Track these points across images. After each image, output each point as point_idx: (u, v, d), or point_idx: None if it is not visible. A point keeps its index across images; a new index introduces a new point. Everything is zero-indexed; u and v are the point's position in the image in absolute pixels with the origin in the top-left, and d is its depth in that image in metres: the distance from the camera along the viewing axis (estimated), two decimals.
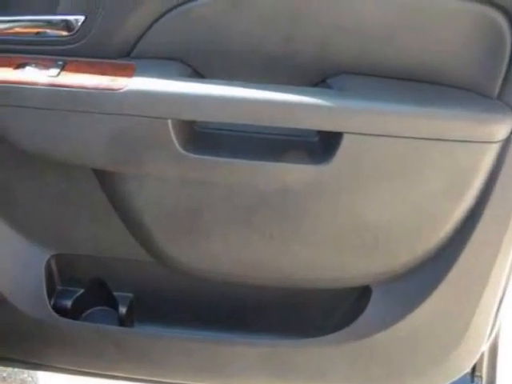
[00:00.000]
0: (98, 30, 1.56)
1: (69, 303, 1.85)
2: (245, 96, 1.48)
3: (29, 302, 1.78)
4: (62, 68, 1.55)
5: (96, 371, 1.91)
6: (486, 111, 1.50)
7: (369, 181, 1.54)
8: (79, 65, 1.56)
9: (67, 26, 1.57)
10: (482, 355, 1.91)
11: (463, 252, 1.60)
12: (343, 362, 1.77)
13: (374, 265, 1.67)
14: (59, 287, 1.86)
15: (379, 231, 1.61)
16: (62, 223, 1.74)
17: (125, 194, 1.63)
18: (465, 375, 1.84)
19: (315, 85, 1.60)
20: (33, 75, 1.53)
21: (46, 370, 2.02)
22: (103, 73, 1.54)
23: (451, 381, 1.81)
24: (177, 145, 1.52)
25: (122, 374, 1.90)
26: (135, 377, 1.90)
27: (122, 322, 1.85)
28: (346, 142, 1.49)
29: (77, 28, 1.56)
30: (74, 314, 1.85)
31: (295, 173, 1.56)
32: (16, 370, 2.72)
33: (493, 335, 1.78)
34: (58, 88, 1.51)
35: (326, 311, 1.81)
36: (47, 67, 1.55)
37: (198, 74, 1.61)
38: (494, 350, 1.97)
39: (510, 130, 1.49)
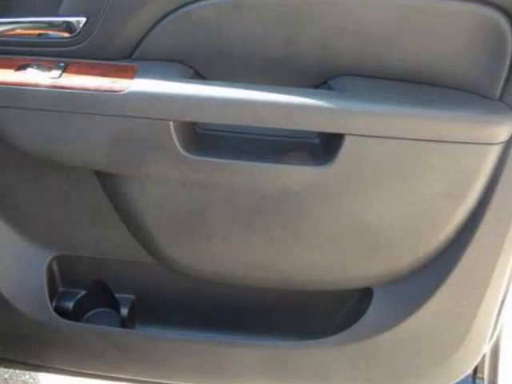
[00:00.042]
0: (99, 32, 1.56)
1: (70, 305, 1.85)
2: (246, 98, 1.48)
3: (30, 303, 1.78)
4: (64, 69, 1.55)
5: (97, 373, 1.91)
6: (487, 113, 1.50)
7: (370, 182, 1.54)
8: (81, 66, 1.57)
9: (69, 27, 1.58)
10: (484, 357, 1.90)
11: (465, 254, 1.60)
12: (345, 363, 1.77)
13: (376, 266, 1.67)
14: (61, 289, 1.87)
15: (380, 233, 1.61)
16: (64, 225, 1.74)
17: (126, 196, 1.63)
18: (466, 377, 1.84)
19: (317, 86, 1.60)
20: (34, 77, 1.53)
21: (47, 372, 2.02)
22: (105, 74, 1.54)
23: (453, 382, 1.81)
24: (178, 146, 1.52)
25: (123, 376, 1.90)
26: (137, 378, 1.90)
27: (124, 323, 1.85)
28: (347, 143, 1.49)
29: (78, 30, 1.57)
30: (75, 315, 1.85)
31: (296, 174, 1.56)
32: (18, 371, 2.72)
33: (494, 337, 1.78)
34: (60, 90, 1.51)
35: (328, 313, 1.81)
36: (49, 69, 1.55)
37: (199, 76, 1.61)
38: (495, 352, 1.97)
39: (511, 132, 1.49)
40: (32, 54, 1.60)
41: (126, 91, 1.49)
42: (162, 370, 1.86)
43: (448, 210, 1.57)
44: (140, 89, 1.50)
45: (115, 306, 1.86)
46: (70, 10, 1.58)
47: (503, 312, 1.73)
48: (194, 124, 1.60)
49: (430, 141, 1.49)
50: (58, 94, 1.51)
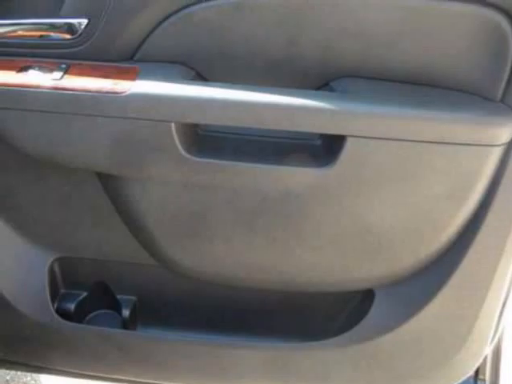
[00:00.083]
0: (101, 33, 1.56)
1: (72, 306, 1.85)
2: (248, 99, 1.48)
3: (32, 305, 1.78)
4: (66, 71, 1.55)
5: (99, 374, 1.90)
6: (489, 114, 1.49)
7: (372, 184, 1.54)
8: (82, 68, 1.57)
9: (70, 29, 1.58)
10: (485, 358, 1.90)
11: (466, 255, 1.60)
12: (346, 365, 1.77)
13: (377, 268, 1.66)
14: (62, 290, 1.87)
15: (382, 234, 1.61)
16: (66, 226, 1.74)
17: (128, 197, 1.63)
18: (468, 378, 1.84)
19: (318, 88, 1.60)
20: (36, 78, 1.53)
21: (49, 373, 2.01)
22: (106, 76, 1.54)
23: None
24: (180, 148, 1.52)
25: (125, 377, 1.90)
26: (138, 380, 1.90)
27: (126, 325, 1.85)
28: (348, 145, 1.49)
29: (80, 31, 1.57)
30: (77, 317, 1.85)
31: (298, 176, 1.56)
32: (19, 373, 2.72)
33: (496, 338, 1.78)
34: (62, 91, 1.51)
35: (329, 314, 1.81)
36: (50, 70, 1.55)
37: (201, 77, 1.61)
38: (497, 353, 1.97)
39: None
40: (34, 55, 1.60)
41: (128, 93, 1.49)
42: (163, 372, 1.86)
43: (449, 212, 1.57)
44: (142, 90, 1.50)
45: (117, 307, 1.86)
46: (71, 11, 1.58)
47: (505, 313, 1.73)
48: (195, 125, 1.60)
49: (431, 142, 1.49)
50: (59, 96, 1.51)
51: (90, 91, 1.50)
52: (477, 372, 1.92)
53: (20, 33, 1.61)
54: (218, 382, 1.87)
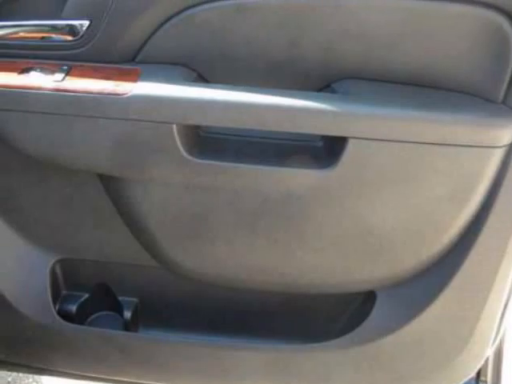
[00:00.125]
0: (102, 35, 1.56)
1: (73, 308, 1.85)
2: (249, 101, 1.48)
3: (34, 306, 1.78)
4: (67, 73, 1.55)
5: (101, 376, 1.90)
6: (490, 116, 1.50)
7: (373, 186, 1.54)
8: (84, 69, 1.57)
9: (72, 30, 1.58)
10: (487, 360, 1.90)
11: (468, 257, 1.60)
12: (348, 366, 1.77)
13: (379, 270, 1.66)
14: (64, 292, 1.87)
15: (384, 236, 1.61)
16: (67, 228, 1.74)
17: (129, 199, 1.63)
18: (469, 380, 1.83)
19: (320, 90, 1.60)
20: (37, 80, 1.53)
21: (50, 375, 2.01)
22: (108, 78, 1.54)
23: None
24: (181, 150, 1.52)
25: (126, 379, 1.90)
26: (140, 382, 1.90)
27: (127, 326, 1.85)
28: (350, 146, 1.49)
29: (81, 33, 1.57)
30: (78, 318, 1.85)
31: (300, 178, 1.56)
32: (21, 374, 2.72)
33: (497, 340, 1.77)
34: (63, 93, 1.51)
35: (331, 316, 1.81)
36: (52, 72, 1.55)
37: (202, 79, 1.61)
38: (498, 355, 1.97)
39: None
40: (35, 57, 1.60)
41: (129, 94, 1.49)
42: (165, 374, 1.86)
43: (451, 213, 1.57)
44: (143, 92, 1.50)
45: (118, 309, 1.86)
46: (73, 13, 1.58)
47: (506, 315, 1.73)
48: (197, 127, 1.60)
49: (433, 144, 1.49)
50: (61, 98, 1.51)
51: (91, 93, 1.50)
52: (478, 373, 1.92)
53: (22, 34, 1.61)
54: (219, 383, 1.87)
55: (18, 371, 2.35)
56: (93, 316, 1.89)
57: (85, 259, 1.79)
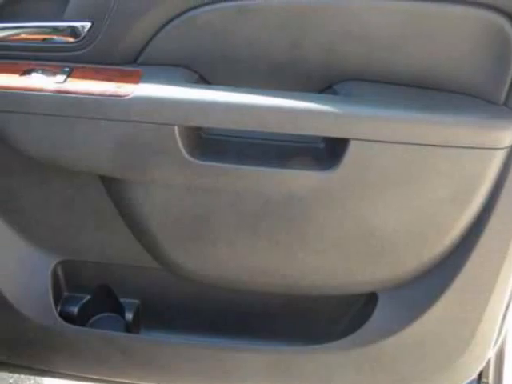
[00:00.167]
0: (104, 37, 1.56)
1: (75, 310, 1.85)
2: (251, 102, 1.48)
3: (35, 308, 1.78)
4: (69, 74, 1.55)
5: (102, 377, 1.90)
6: (492, 118, 1.49)
7: (375, 187, 1.54)
8: (85, 71, 1.57)
9: (73, 32, 1.58)
10: (489, 361, 1.90)
11: (469, 258, 1.60)
12: (349, 368, 1.77)
13: (380, 271, 1.66)
14: (66, 293, 1.87)
15: (385, 238, 1.60)
16: (69, 229, 1.74)
17: (131, 201, 1.63)
18: (471, 381, 1.83)
19: (321, 91, 1.60)
20: (39, 82, 1.54)
21: (52, 377, 2.01)
22: (109, 79, 1.54)
23: None
24: (183, 151, 1.52)
25: (128, 381, 1.90)
26: (141, 383, 1.90)
27: (129, 328, 1.85)
28: (352, 148, 1.49)
29: (83, 34, 1.57)
30: (80, 320, 1.85)
31: (301, 179, 1.56)
32: (22, 376, 2.72)
33: (499, 341, 1.77)
34: (65, 94, 1.51)
35: (332, 318, 1.81)
36: (54, 73, 1.56)
37: (204, 81, 1.61)
38: (500, 357, 1.97)
39: None
40: (37, 58, 1.60)
41: (131, 96, 1.49)
42: (166, 375, 1.86)
43: (453, 215, 1.57)
44: (145, 93, 1.50)
45: (120, 310, 1.86)
46: (74, 14, 1.58)
47: (508, 317, 1.73)
48: (198, 129, 1.60)
49: (434, 145, 1.49)
50: (62, 99, 1.51)
51: (93, 94, 1.50)
52: (480, 375, 1.91)
53: (23, 36, 1.62)
54: None
55: (19, 373, 2.35)
56: (94, 318, 1.89)
57: (86, 261, 1.79)
